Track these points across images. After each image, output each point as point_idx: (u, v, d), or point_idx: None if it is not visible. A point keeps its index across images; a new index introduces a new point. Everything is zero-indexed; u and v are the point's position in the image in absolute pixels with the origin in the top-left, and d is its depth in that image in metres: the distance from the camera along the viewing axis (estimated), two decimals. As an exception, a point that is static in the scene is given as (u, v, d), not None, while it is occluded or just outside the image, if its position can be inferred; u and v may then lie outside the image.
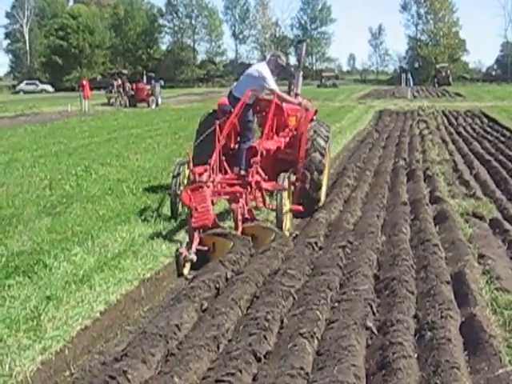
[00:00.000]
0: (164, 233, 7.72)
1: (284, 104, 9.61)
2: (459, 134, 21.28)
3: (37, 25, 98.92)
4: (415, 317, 5.00)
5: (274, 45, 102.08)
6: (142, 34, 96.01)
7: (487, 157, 14.93)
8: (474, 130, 22.72)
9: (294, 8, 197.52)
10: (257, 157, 8.34)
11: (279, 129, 9.90)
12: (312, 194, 9.20)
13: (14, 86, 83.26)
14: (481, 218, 8.76)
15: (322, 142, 9.34)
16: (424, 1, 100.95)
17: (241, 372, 3.97)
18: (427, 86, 75.52)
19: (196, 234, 7.03)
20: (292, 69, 11.56)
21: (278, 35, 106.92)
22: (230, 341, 4.60)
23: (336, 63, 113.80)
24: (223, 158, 8.56)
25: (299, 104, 9.49)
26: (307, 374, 3.99)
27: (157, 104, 39.05)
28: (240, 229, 7.38)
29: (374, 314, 5.10)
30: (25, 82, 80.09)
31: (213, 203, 7.68)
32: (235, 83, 9.80)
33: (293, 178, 8.78)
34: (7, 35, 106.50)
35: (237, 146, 9.46)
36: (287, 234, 7.91)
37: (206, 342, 4.41)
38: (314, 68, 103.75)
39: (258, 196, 8.10)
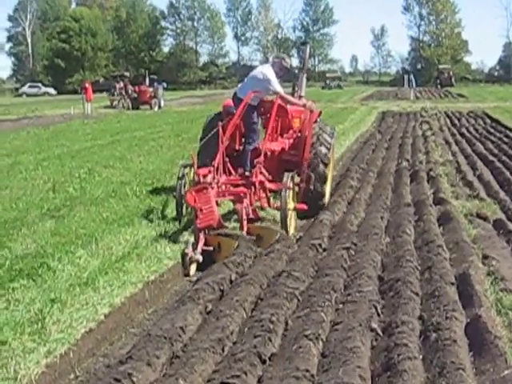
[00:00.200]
0: (168, 235, 7.71)
1: (288, 106, 9.63)
2: (462, 134, 21.25)
3: (39, 28, 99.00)
4: (420, 318, 4.99)
5: (277, 47, 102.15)
6: (145, 37, 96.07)
7: (490, 157, 14.92)
8: (476, 130, 22.69)
9: (296, 9, 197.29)
10: (260, 157, 8.39)
11: (283, 130, 9.99)
12: (317, 187, 9.26)
13: (17, 89, 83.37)
14: (485, 218, 8.76)
15: (327, 137, 9.53)
16: (426, 2, 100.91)
17: (246, 374, 3.97)
18: (430, 87, 75.51)
19: (201, 235, 7.10)
20: (296, 71, 11.55)
21: (280, 37, 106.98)
22: (234, 343, 4.60)
23: (338, 65, 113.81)
24: (228, 160, 8.60)
25: (304, 106, 9.51)
26: (312, 375, 3.98)
27: (159, 106, 39.04)
28: (245, 229, 7.43)
29: (378, 315, 5.09)
30: (27, 84, 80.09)
31: (217, 204, 7.72)
32: (239, 85, 9.82)
33: (297, 178, 8.82)
34: (10, 38, 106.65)
35: (241, 148, 9.49)
36: (291, 234, 7.95)
37: (211, 344, 4.41)
38: (317, 70, 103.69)
39: (263, 196, 8.17)
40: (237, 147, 9.56)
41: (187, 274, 6.81)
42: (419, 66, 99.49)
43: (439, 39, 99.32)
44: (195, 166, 8.00)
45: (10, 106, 45.79)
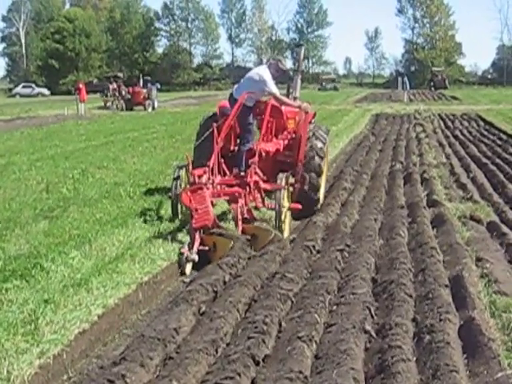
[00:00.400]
0: (161, 236, 7.70)
1: (283, 107, 9.66)
2: (456, 137, 21.33)
3: (33, 28, 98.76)
4: (414, 320, 4.99)
5: (271, 48, 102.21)
6: (139, 38, 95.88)
7: (484, 160, 14.97)
8: (470, 133, 22.77)
9: (290, 11, 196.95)
10: (255, 158, 8.42)
11: (278, 131, 10.03)
12: (311, 195, 9.38)
13: (10, 90, 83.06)
14: (478, 221, 8.77)
15: (322, 133, 9.63)
16: (420, 4, 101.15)
17: (239, 375, 3.96)
18: (423, 89, 75.73)
19: (197, 235, 7.13)
20: (291, 72, 11.56)
21: (274, 39, 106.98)
22: (228, 344, 4.59)
23: (332, 66, 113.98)
24: (223, 160, 8.63)
25: (299, 107, 9.54)
26: (306, 377, 3.98)
27: (153, 107, 39.02)
28: (240, 229, 7.48)
29: (372, 317, 5.09)
30: (21, 85, 79.78)
31: (212, 204, 7.77)
32: (235, 86, 9.82)
33: (291, 179, 8.87)
34: (3, 39, 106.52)
35: (236, 148, 9.51)
36: (286, 235, 7.98)
37: (205, 345, 4.40)
38: (311, 71, 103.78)
39: (258, 196, 8.20)
40: (232, 148, 9.60)
41: (183, 273, 6.89)
42: (413, 69, 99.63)
43: (433, 42, 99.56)
44: (190, 167, 8.02)
45: (3, 106, 45.65)
